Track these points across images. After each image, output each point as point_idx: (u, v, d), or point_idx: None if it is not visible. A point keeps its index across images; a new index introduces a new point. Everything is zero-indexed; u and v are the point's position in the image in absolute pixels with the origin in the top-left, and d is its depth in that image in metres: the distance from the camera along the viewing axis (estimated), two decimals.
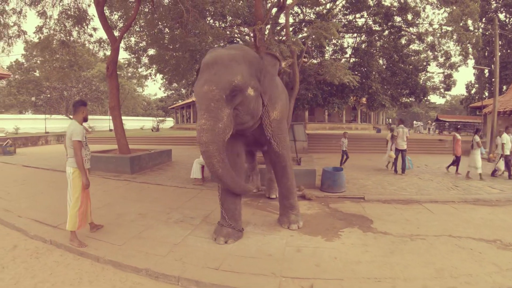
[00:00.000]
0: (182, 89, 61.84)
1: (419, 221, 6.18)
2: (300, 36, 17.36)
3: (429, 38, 19.83)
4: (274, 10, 15.55)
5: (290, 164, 5.79)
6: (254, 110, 4.77)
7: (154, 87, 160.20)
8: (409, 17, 19.02)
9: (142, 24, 16.03)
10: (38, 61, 17.88)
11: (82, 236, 5.18)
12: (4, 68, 35.95)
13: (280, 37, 16.64)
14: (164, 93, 75.84)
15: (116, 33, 14.43)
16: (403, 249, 4.80)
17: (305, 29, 19.92)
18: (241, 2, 13.20)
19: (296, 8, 19.67)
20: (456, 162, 11.81)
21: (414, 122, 50.38)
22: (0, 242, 5.20)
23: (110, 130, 15.22)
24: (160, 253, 4.56)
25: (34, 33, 14.84)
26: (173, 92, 72.24)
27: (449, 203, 7.57)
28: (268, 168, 8.49)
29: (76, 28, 15.28)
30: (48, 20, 14.67)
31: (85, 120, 5.32)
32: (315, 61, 19.84)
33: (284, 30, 17.76)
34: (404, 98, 23.48)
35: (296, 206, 5.93)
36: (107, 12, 15.25)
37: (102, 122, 43.46)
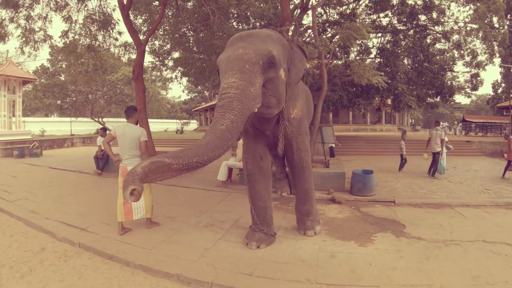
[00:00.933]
0: (205, 92, 62.05)
1: (452, 225, 5.92)
2: (324, 36, 17.14)
3: (455, 37, 19.40)
4: (298, 11, 15.42)
5: (309, 167, 5.46)
6: (282, 96, 4.33)
7: (178, 90, 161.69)
8: (434, 15, 18.64)
9: (166, 27, 16.11)
10: (64, 66, 18.14)
11: (111, 239, 5.14)
12: (30, 72, 36.92)
13: (304, 38, 16.47)
14: (188, 95, 76.39)
15: (141, 37, 14.53)
16: (438, 255, 4.58)
17: (329, 29, 19.75)
18: (265, 4, 13.05)
19: (319, 9, 19.49)
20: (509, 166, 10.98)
21: (440, 123, 49.38)
22: (27, 244, 5.17)
23: None
24: (191, 258, 4.44)
25: (59, 37, 15.07)
26: (197, 94, 72.63)
27: (480, 207, 7.27)
28: (277, 170, 8.46)
29: (102, 32, 15.47)
30: (73, 24, 14.92)
31: (136, 123, 6.06)
32: (339, 62, 19.61)
33: (308, 31, 17.70)
34: (430, 99, 23.04)
35: (313, 212, 5.60)
36: (131, 16, 15.39)
37: None
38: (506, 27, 20.35)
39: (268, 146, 5.31)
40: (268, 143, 5.25)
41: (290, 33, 13.00)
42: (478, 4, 15.14)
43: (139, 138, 5.60)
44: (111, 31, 15.68)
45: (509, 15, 31.49)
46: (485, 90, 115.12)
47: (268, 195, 5.20)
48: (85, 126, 37.76)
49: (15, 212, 6.88)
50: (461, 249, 4.79)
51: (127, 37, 40.49)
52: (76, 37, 15.23)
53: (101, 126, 14.18)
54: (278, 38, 4.47)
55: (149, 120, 11.73)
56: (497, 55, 18.60)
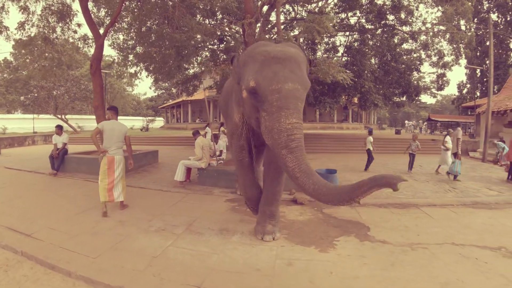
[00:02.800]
0: (172, 89, 61.27)
1: (419, 227, 5.84)
2: (292, 34, 17.04)
3: (422, 37, 19.73)
4: (265, 8, 15.26)
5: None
6: None
7: (144, 87, 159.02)
8: (402, 15, 18.89)
9: (130, 21, 15.64)
10: (27, 60, 17.38)
11: (55, 247, 4.80)
12: None
13: (271, 35, 16.33)
14: (155, 92, 75.46)
15: (103, 30, 14.03)
16: (404, 260, 4.44)
17: (297, 27, 19.71)
18: None
19: (287, 6, 19.43)
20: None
21: (406, 122, 50.37)
22: None
23: None
24: (137, 268, 4.15)
25: (15, 29, 14.33)
26: (164, 91, 71.81)
27: (447, 207, 7.26)
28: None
29: (60, 24, 14.84)
30: (31, 15, 14.21)
31: (117, 119, 7.06)
32: None
33: (275, 28, 17.56)
34: (396, 98, 23.38)
35: (277, 216, 5.44)
36: (94, 9, 14.87)
37: (91, 122, 42.59)
38: (472, 29, 20.87)
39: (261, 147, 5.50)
40: (260, 143, 5.26)
41: (257, 30, 12.81)
42: (447, 7, 15.39)
43: (125, 133, 6.91)
44: (69, 23, 15.06)
45: (476, 19, 32.53)
46: (450, 90, 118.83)
47: (259, 184, 5.78)
48: (48, 123, 36.51)
49: None
50: (428, 253, 4.68)
51: (86, 30, 39.38)
52: (34, 28, 14.57)
53: (57, 124, 13.60)
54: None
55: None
56: (463, 56, 19.03)
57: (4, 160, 15.24)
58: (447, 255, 4.61)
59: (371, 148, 12.59)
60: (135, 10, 14.63)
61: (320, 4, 19.48)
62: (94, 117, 13.51)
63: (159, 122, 61.68)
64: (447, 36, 17.03)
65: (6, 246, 4.93)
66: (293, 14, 20.48)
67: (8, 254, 4.75)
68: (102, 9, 15.62)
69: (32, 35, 14.62)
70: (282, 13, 18.93)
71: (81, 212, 6.73)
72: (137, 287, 3.72)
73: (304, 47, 17.42)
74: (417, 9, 18.78)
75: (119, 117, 7.40)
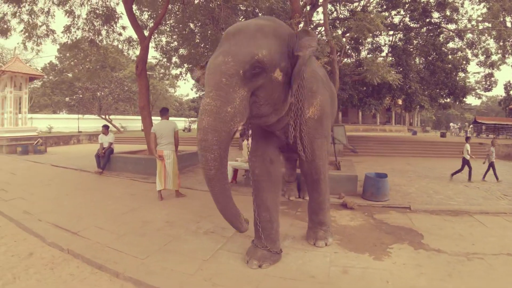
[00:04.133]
0: None
1: (473, 236, 5.43)
2: (334, 34, 16.76)
3: (468, 35, 18.91)
4: (307, 8, 15.04)
5: (325, 177, 4.86)
6: (279, 101, 3.69)
7: (186, 88, 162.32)
8: (448, 12, 18.16)
9: (173, 24, 15.81)
10: (72, 63, 17.98)
11: (103, 246, 4.76)
12: (38, 69, 36.92)
13: (318, 36, 16.08)
14: (196, 93, 76.07)
15: (146, 32, 14.25)
16: (461, 271, 4.10)
17: (339, 27, 19.35)
18: None
19: (329, 6, 19.08)
20: None
21: (451, 124, 48.50)
22: (16, 248, 4.84)
23: (142, 130, 15.25)
24: (188, 271, 4.00)
25: (62, 32, 14.82)
26: None
27: (501, 215, 6.77)
28: (286, 172, 7.90)
29: (105, 27, 15.20)
30: (76, 19, 14.69)
31: (167, 119, 8.04)
32: (350, 61, 19.21)
33: (318, 28, 17.30)
34: (442, 99, 22.55)
35: (327, 222, 5.07)
36: (137, 12, 15.12)
37: (134, 122, 43.89)
38: None
39: (280, 148, 4.71)
40: (279, 145, 4.63)
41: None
42: (492, 2, 14.70)
43: (174, 129, 7.82)
44: (114, 26, 15.43)
45: None
46: (497, 91, 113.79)
47: (275, 207, 4.58)
48: (92, 123, 37.78)
49: (8, 212, 6.54)
50: (485, 264, 4.32)
51: (131, 32, 40.40)
52: (79, 32, 14.99)
53: (103, 124, 13.87)
54: (272, 30, 3.66)
55: (157, 117, 11.38)
56: (511, 55, 18.11)
57: (51, 158, 15.74)
58: (504, 266, 4.27)
59: (468, 157, 11.33)
60: (178, 12, 14.75)
61: (362, 3, 19.08)
62: (137, 117, 13.74)
63: None
64: (494, 33, 16.22)
65: (52, 244, 4.94)
66: (335, 14, 20.14)
67: (54, 251, 4.75)
68: (145, 12, 15.88)
69: (78, 38, 15.03)
70: None
71: (128, 211, 6.72)
72: None
73: (348, 47, 17.03)
74: (462, 6, 18.10)
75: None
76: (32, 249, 4.80)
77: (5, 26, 13.58)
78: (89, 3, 14.38)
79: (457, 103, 24.25)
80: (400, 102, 23.63)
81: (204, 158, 3.32)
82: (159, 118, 8.10)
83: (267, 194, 4.43)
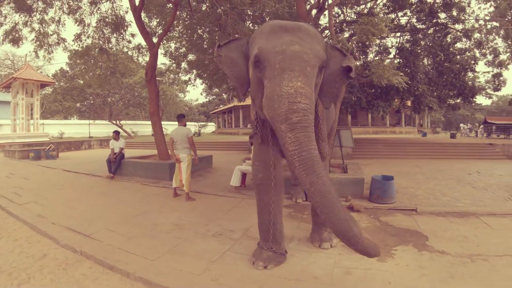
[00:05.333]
0: (223, 94, 62.08)
1: (478, 238, 5.43)
2: (341, 37, 16.80)
3: (476, 35, 18.81)
4: (314, 11, 15.11)
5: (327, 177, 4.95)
6: (314, 101, 3.63)
7: (195, 93, 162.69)
8: (454, 13, 18.08)
9: (181, 30, 15.99)
10: (83, 70, 18.26)
11: (114, 247, 4.92)
12: (49, 76, 37.47)
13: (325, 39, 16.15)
14: (206, 98, 76.81)
15: (155, 39, 14.45)
16: (464, 272, 4.14)
17: (347, 29, 19.38)
18: (280, 3, 12.77)
19: (336, 9, 19.13)
20: None
21: (461, 125, 48.07)
22: (30, 250, 5.02)
23: (152, 135, 15.49)
24: (195, 272, 4.13)
25: (73, 40, 15.10)
26: (215, 97, 72.93)
27: (508, 216, 6.72)
28: (292, 175, 7.95)
29: (115, 35, 15.44)
30: (86, 27, 14.97)
31: (185, 125, 8.67)
32: (357, 63, 19.23)
33: (325, 31, 17.36)
34: (451, 100, 22.42)
35: None
36: (145, 19, 15.32)
37: (144, 127, 44.45)
38: None
39: (282, 152, 4.64)
40: (280, 149, 4.56)
41: None
42: (499, 1, 14.62)
43: (187, 135, 8.33)
44: (124, 33, 15.67)
45: None
46: (507, 90, 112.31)
47: (279, 209, 4.65)
48: (103, 128, 38.27)
49: (22, 215, 6.75)
50: (488, 265, 4.35)
51: (140, 40, 40.76)
52: (89, 40, 15.26)
53: (114, 130, 14.12)
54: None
55: (167, 122, 11.58)
56: None
57: (63, 163, 16.03)
58: (507, 268, 4.28)
59: None
60: (186, 19, 14.93)
61: (369, 5, 19.09)
62: (148, 122, 13.94)
63: (211, 127, 62.79)
64: (501, 32, 16.14)
65: (66, 245, 5.10)
66: (342, 16, 20.16)
67: (67, 253, 4.91)
68: (154, 19, 16.08)
69: (88, 45, 15.31)
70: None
71: (138, 215, 6.88)
72: None
73: (355, 49, 17.06)
74: (469, 6, 17.92)
75: (172, 122, 8.08)
76: (46, 251, 4.96)
77: (17, 35, 13.84)
78: (99, 11, 14.63)
79: (466, 103, 24.14)
80: (409, 103, 23.49)
81: (307, 138, 3.11)
82: (171, 123, 8.38)
83: (270, 197, 4.49)
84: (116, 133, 12.27)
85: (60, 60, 64.64)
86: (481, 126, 38.73)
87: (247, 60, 4.02)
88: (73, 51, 16.36)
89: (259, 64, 3.53)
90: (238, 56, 4.13)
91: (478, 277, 4.02)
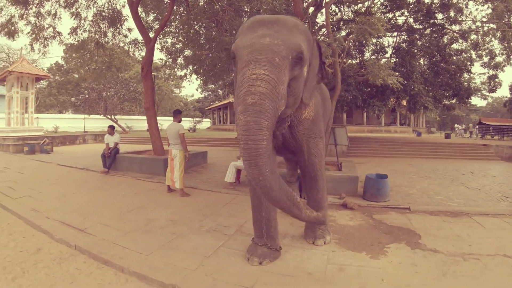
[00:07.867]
0: (219, 91, 61.94)
1: (471, 237, 5.49)
2: (338, 35, 16.81)
3: (473, 36, 18.89)
4: (311, 9, 15.11)
5: (322, 174, 4.93)
6: (300, 95, 3.75)
7: (191, 88, 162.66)
8: (451, 14, 18.14)
9: (178, 25, 15.96)
10: (79, 64, 18.19)
11: (108, 242, 4.92)
12: (44, 70, 37.25)
13: (319, 37, 16.15)
14: (201, 94, 76.74)
15: (152, 34, 14.40)
16: (456, 271, 4.18)
17: (344, 27, 19.39)
18: (277, 0, 12.77)
19: (333, 7, 19.13)
20: None
21: (456, 125, 48.31)
22: (24, 244, 5.00)
23: (147, 130, 15.48)
24: (190, 267, 4.15)
25: (68, 34, 15.02)
26: (210, 93, 72.87)
27: (500, 217, 6.77)
28: (288, 172, 8.02)
29: (111, 29, 15.38)
30: (82, 21, 14.90)
31: (180, 121, 8.51)
32: (354, 62, 19.25)
33: (322, 29, 17.36)
34: (446, 100, 22.54)
35: (325, 221, 5.14)
36: (142, 14, 15.27)
37: (139, 122, 44.34)
38: None
39: (276, 148, 4.69)
40: (276, 145, 4.62)
41: None
42: (497, 3, 14.69)
43: (178, 132, 8.22)
44: (120, 28, 15.62)
45: None
46: (502, 92, 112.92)
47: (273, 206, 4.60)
48: (98, 123, 38.17)
49: (16, 210, 6.72)
50: (480, 264, 4.40)
51: (137, 34, 40.58)
52: (85, 33, 15.20)
53: (109, 124, 14.08)
54: (305, 30, 3.79)
55: (162, 118, 11.60)
56: None
57: (57, 157, 15.97)
58: (499, 267, 4.33)
59: None
60: (183, 14, 14.90)
61: (366, 4, 19.12)
62: (143, 117, 13.92)
63: (206, 123, 62.80)
64: (498, 34, 16.21)
65: (60, 240, 5.10)
66: (339, 15, 20.16)
67: (62, 247, 4.91)
68: (150, 13, 16.03)
69: (84, 39, 15.25)
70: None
71: (133, 210, 6.88)
72: (189, 286, 3.71)
73: (352, 48, 17.09)
74: (466, 7, 17.97)
75: (167, 118, 8.06)
76: (41, 245, 4.95)
77: (12, 28, 13.73)
78: (95, 5, 14.57)
79: (462, 104, 24.24)
80: (404, 103, 23.59)
81: (257, 125, 2.99)
82: (166, 118, 8.37)
83: None
84: (111, 127, 12.23)
85: (55, 53, 64.37)
86: (476, 127, 38.95)
87: None
88: (69, 45, 16.25)
89: (234, 60, 3.57)
90: None
91: (470, 276, 4.07)
